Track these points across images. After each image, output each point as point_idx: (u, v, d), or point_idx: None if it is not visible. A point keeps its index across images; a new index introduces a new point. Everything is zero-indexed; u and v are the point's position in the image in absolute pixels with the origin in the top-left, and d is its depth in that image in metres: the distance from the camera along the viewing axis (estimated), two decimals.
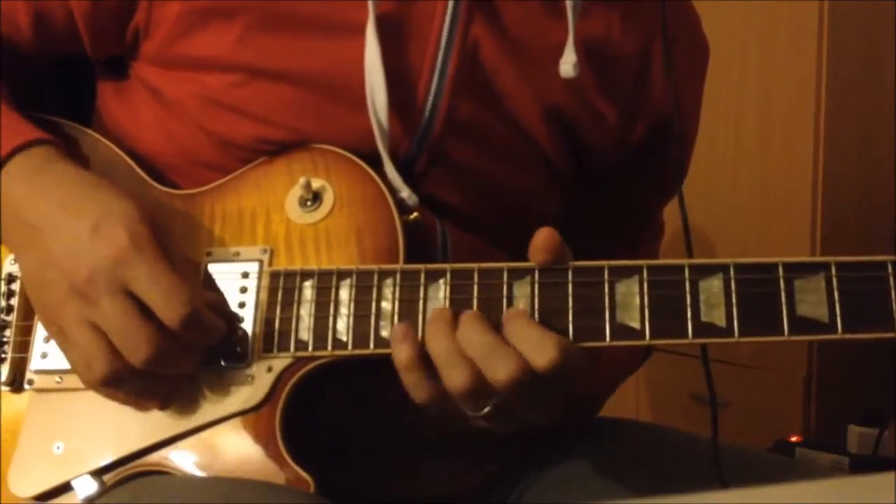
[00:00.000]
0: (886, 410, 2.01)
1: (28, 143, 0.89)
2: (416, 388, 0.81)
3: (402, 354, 0.81)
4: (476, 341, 0.79)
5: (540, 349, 0.78)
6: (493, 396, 0.79)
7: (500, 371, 0.78)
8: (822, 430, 2.26)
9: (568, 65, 0.91)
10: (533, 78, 0.95)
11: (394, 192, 0.89)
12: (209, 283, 0.89)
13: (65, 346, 0.85)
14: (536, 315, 0.81)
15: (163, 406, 0.87)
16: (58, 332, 0.85)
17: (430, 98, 0.92)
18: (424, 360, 0.81)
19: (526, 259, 0.83)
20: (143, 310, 0.81)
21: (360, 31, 0.89)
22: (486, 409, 0.80)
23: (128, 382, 0.83)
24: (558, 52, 0.92)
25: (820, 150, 2.29)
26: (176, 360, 0.83)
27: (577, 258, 0.83)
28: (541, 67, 0.94)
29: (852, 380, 2.28)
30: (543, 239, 0.82)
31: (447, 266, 0.84)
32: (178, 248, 0.86)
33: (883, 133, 2.35)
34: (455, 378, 0.79)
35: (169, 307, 0.81)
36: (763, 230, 2.37)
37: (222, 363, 0.86)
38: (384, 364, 0.83)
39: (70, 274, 0.82)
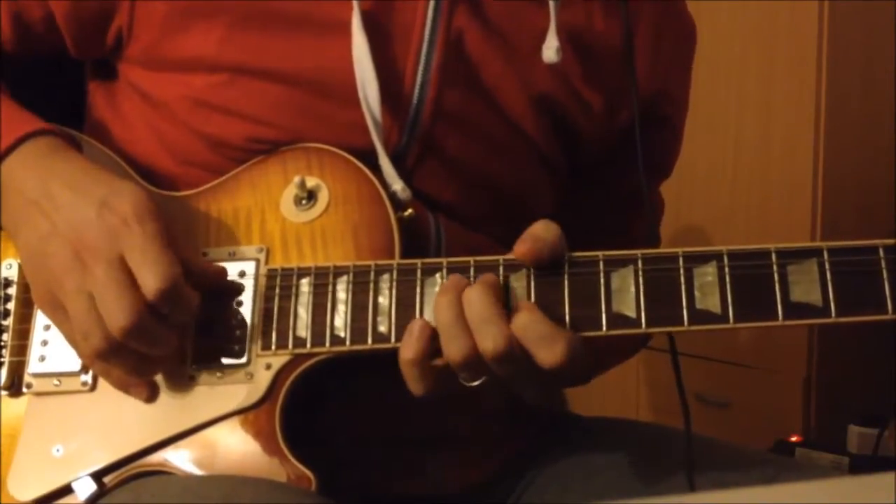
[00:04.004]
0: (886, 410, 2.01)
1: (35, 133, 0.90)
2: (415, 382, 0.82)
3: (410, 351, 0.82)
4: (475, 306, 0.80)
5: (548, 346, 0.79)
6: (486, 370, 0.80)
7: (488, 340, 0.79)
8: (822, 430, 2.26)
9: (550, 50, 0.92)
10: (518, 66, 0.95)
11: (387, 186, 0.90)
12: None
13: (62, 320, 0.85)
14: None
15: (150, 395, 0.87)
16: (55, 307, 0.85)
17: (417, 90, 0.92)
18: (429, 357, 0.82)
19: None
20: (135, 282, 0.82)
21: (345, 27, 0.90)
22: (481, 381, 0.81)
23: (119, 356, 0.83)
24: (542, 39, 0.93)
25: (820, 150, 2.30)
26: (152, 335, 0.83)
27: (574, 246, 0.84)
28: (525, 56, 0.95)
29: (852, 380, 2.28)
30: (520, 252, 0.82)
31: (443, 260, 0.85)
32: (182, 235, 0.87)
33: (883, 132, 2.35)
34: (452, 348, 0.80)
35: (149, 278, 0.81)
36: (763, 230, 2.37)
37: (221, 361, 0.87)
38: (384, 360, 0.83)
39: (74, 242, 0.83)
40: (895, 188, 2.28)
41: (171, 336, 0.84)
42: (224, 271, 0.88)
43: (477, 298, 0.80)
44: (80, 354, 0.86)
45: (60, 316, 0.85)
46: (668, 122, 1.09)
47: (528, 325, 0.80)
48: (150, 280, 0.81)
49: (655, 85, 1.03)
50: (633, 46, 1.00)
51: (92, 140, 0.98)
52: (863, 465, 1.96)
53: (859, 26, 2.34)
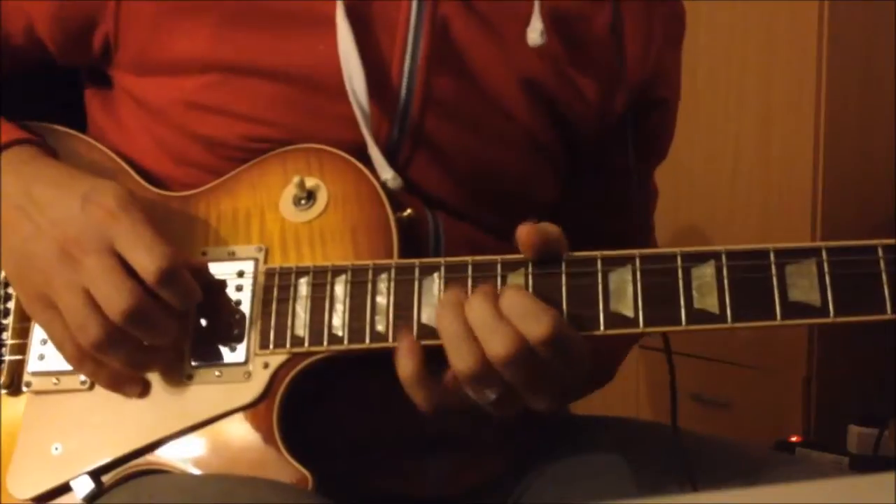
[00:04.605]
0: (886, 410, 2.01)
1: (14, 142, 0.91)
2: (419, 396, 0.82)
3: (406, 369, 0.82)
4: (478, 313, 0.79)
5: (535, 320, 0.78)
6: (496, 380, 0.80)
7: (497, 345, 0.78)
8: (822, 430, 2.26)
9: (535, 32, 0.92)
10: (506, 52, 0.95)
11: (377, 175, 0.90)
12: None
13: (52, 319, 0.85)
14: None
15: (143, 392, 0.87)
16: (45, 307, 0.85)
17: (405, 79, 0.93)
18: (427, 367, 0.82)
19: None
20: (129, 269, 0.82)
21: (331, 21, 0.90)
22: (491, 395, 0.81)
23: (117, 347, 0.83)
24: (527, 24, 0.92)
25: (820, 150, 2.30)
26: (154, 319, 0.83)
27: (573, 235, 0.84)
28: (513, 41, 0.94)
29: (852, 380, 2.28)
30: (523, 238, 0.82)
31: (441, 260, 0.85)
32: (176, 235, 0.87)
33: (883, 133, 2.35)
34: (460, 360, 0.80)
35: (148, 260, 0.81)
36: (763, 231, 2.37)
37: (219, 360, 0.87)
38: (382, 360, 0.83)
39: (60, 239, 0.83)
40: (895, 188, 2.28)
41: (171, 323, 0.84)
42: (205, 267, 0.88)
43: (479, 306, 0.80)
44: (70, 354, 0.85)
45: (50, 315, 0.85)
46: (664, 105, 1.09)
47: (515, 301, 0.79)
48: (148, 261, 0.81)
49: (649, 68, 1.03)
50: (622, 32, 1.00)
51: (93, 141, 0.98)
52: (863, 465, 1.96)
53: (859, 26, 2.34)
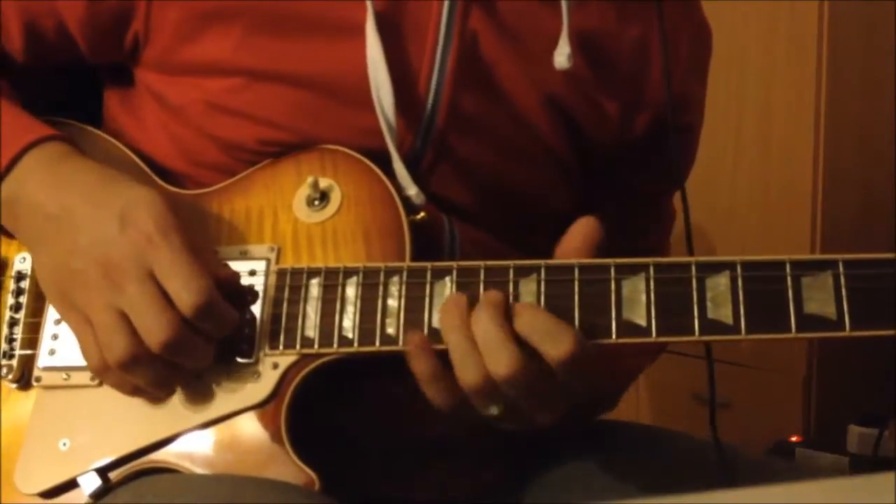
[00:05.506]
0: (886, 410, 2.01)
1: (42, 139, 0.90)
2: (438, 396, 0.82)
3: (422, 369, 0.81)
4: (483, 329, 0.79)
5: (555, 340, 0.78)
6: (500, 396, 0.79)
7: (500, 364, 0.78)
8: (822, 430, 2.26)
9: (562, 56, 0.92)
10: (532, 69, 0.95)
11: (401, 190, 0.90)
12: None
13: (83, 330, 0.84)
14: None
15: (167, 399, 0.87)
16: (81, 321, 0.84)
17: (432, 93, 0.92)
18: (444, 365, 0.81)
19: (535, 253, 0.84)
20: (168, 297, 0.82)
21: (359, 30, 0.90)
22: (495, 410, 0.81)
23: (144, 368, 0.83)
24: (555, 43, 0.92)
25: (820, 150, 2.30)
26: (192, 349, 0.83)
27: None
28: (539, 59, 0.94)
29: (852, 380, 2.28)
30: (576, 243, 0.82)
31: (453, 264, 0.85)
32: (197, 237, 0.86)
33: (883, 133, 2.35)
34: (466, 373, 0.79)
35: (185, 293, 0.81)
36: (763, 230, 2.37)
37: (229, 360, 0.87)
38: (393, 363, 0.83)
39: (101, 264, 0.83)
40: (895, 188, 2.28)
41: (207, 349, 0.84)
42: (237, 275, 0.88)
43: (485, 322, 0.79)
44: (95, 366, 0.85)
45: (84, 327, 0.84)
46: (687, 131, 1.08)
47: (533, 321, 0.79)
48: (185, 295, 0.81)
49: (674, 90, 1.02)
50: (655, 52, 0.99)
51: (108, 136, 0.98)
52: (863, 465, 1.96)
53: (859, 26, 2.34)
